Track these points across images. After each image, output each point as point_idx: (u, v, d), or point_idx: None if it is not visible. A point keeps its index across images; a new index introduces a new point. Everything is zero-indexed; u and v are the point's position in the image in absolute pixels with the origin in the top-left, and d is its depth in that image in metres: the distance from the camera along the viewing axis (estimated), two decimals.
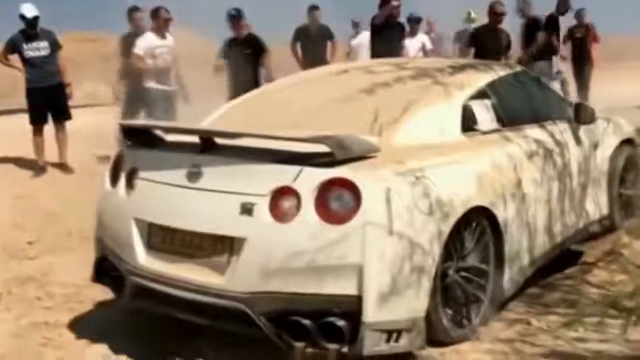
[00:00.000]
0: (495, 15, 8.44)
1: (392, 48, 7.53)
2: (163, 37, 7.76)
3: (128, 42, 8.13)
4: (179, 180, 3.31)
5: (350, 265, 2.97)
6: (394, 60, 4.89)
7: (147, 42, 7.69)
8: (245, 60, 8.05)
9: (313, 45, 9.32)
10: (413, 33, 9.92)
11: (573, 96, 9.60)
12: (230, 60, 8.19)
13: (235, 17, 8.19)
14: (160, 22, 7.77)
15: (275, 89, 4.45)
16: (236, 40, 8.26)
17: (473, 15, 10.63)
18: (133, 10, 8.33)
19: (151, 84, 7.68)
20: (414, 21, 10.12)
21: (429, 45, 10.25)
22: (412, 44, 9.70)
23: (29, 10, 7.60)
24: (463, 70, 4.34)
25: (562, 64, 9.88)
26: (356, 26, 10.84)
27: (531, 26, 9.14)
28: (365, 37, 10.17)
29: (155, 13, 7.79)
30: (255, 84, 7.78)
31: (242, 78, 7.85)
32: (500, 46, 8.48)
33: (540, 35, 9.05)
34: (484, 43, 8.42)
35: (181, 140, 3.59)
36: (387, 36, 7.76)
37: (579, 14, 10.82)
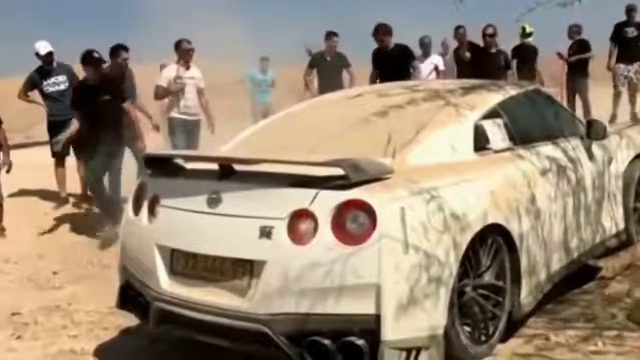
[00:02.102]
0: (486, 37, 9.04)
1: (400, 72, 7.57)
2: (187, 68, 7.87)
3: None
4: (200, 206, 3.39)
5: (368, 284, 3.03)
6: (406, 83, 4.97)
7: (170, 73, 7.83)
8: (105, 108, 6.73)
9: (329, 72, 9.33)
10: (425, 55, 10.00)
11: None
12: (91, 109, 6.78)
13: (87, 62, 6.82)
14: (183, 53, 7.88)
15: (292, 114, 4.54)
16: (91, 86, 6.85)
17: (528, 29, 10.23)
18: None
19: (173, 114, 7.82)
20: (425, 44, 10.18)
21: (441, 67, 10.30)
22: (425, 66, 9.77)
23: (43, 48, 7.80)
24: (474, 90, 4.42)
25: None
26: (310, 54, 10.26)
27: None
28: None
29: (178, 45, 7.91)
30: (118, 133, 6.78)
31: (104, 126, 6.69)
32: (497, 67, 8.90)
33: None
34: (480, 65, 8.76)
35: (200, 167, 3.69)
36: (391, 61, 7.84)
37: (571, 30, 10.96)
